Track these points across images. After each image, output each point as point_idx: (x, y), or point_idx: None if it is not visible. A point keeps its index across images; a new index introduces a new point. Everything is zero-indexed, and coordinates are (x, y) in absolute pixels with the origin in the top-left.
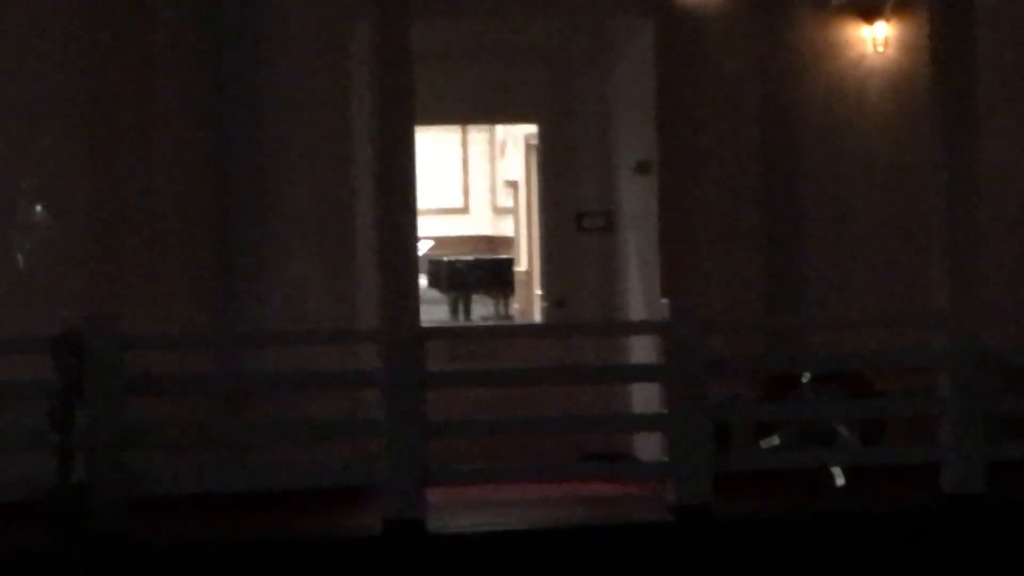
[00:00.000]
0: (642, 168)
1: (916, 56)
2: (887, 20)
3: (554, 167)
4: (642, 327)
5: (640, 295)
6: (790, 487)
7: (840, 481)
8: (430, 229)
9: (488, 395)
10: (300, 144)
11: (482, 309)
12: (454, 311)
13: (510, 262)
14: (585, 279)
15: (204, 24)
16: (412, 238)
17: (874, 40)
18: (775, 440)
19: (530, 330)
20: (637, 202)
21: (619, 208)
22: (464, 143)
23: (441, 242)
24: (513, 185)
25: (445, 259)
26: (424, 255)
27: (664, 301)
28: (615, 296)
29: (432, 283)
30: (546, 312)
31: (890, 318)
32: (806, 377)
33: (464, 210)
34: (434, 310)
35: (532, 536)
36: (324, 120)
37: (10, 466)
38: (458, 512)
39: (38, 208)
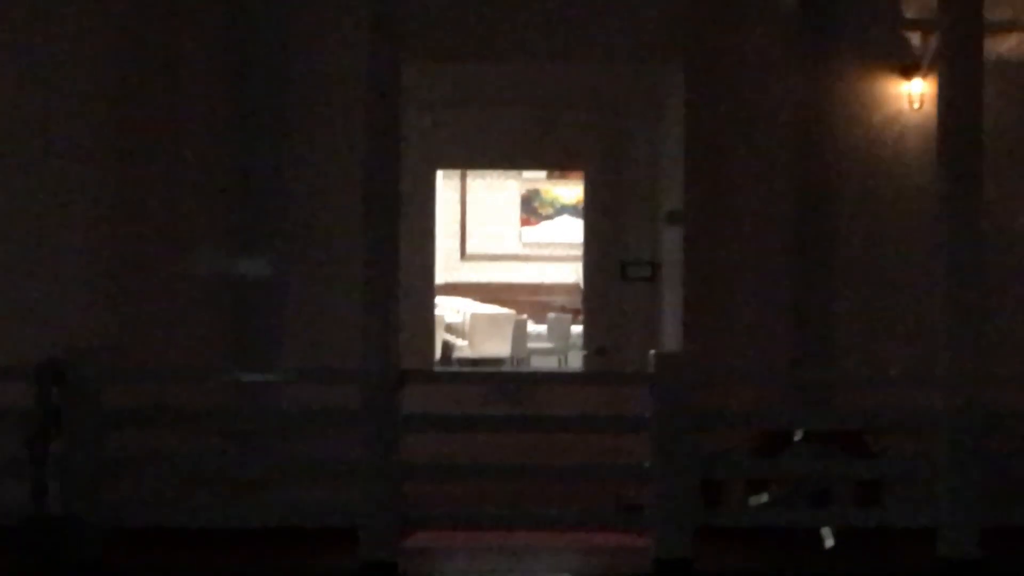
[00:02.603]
0: (673, 218)
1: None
2: (923, 77)
3: (599, 215)
4: (629, 378)
5: (672, 346)
6: (778, 546)
7: (829, 542)
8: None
9: (517, 440)
10: (322, 177)
11: None
12: None
13: None
14: (627, 328)
15: (230, 46)
16: (393, 277)
17: (910, 96)
18: (764, 497)
19: (511, 378)
20: (670, 252)
21: (662, 258)
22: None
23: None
24: None
25: None
26: None
27: (652, 352)
28: (656, 346)
29: None
30: (586, 360)
31: (888, 379)
32: (799, 434)
33: (524, 257)
34: None
35: None
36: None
37: None
38: (442, 557)
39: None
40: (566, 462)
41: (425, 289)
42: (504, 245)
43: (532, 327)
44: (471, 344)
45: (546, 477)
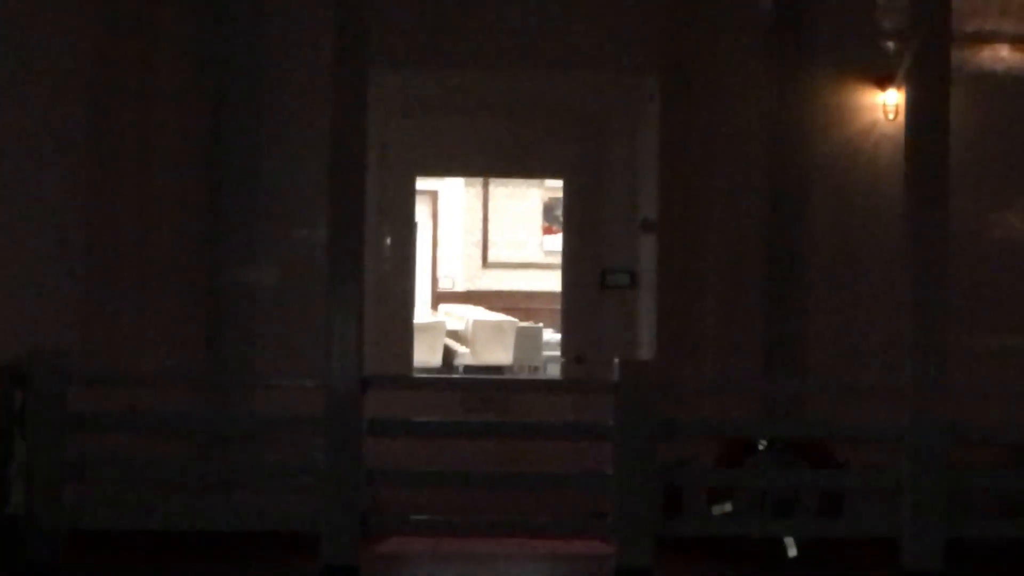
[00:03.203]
0: (647, 226)
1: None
2: (898, 88)
3: (578, 223)
4: (593, 386)
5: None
6: (741, 555)
7: (792, 552)
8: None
9: (505, 447)
10: (295, 188)
11: None
12: None
13: None
14: (606, 336)
15: (204, 66)
16: (356, 285)
17: (884, 107)
18: (728, 506)
19: (475, 383)
20: (647, 261)
21: (641, 266)
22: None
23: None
24: None
25: None
26: None
27: (617, 360)
28: (635, 354)
29: None
30: (564, 368)
31: (849, 391)
32: (762, 444)
33: (547, 266)
34: None
35: None
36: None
37: None
38: (406, 562)
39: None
40: (534, 470)
41: (405, 295)
42: (526, 253)
43: (550, 335)
44: (473, 352)
45: (509, 484)
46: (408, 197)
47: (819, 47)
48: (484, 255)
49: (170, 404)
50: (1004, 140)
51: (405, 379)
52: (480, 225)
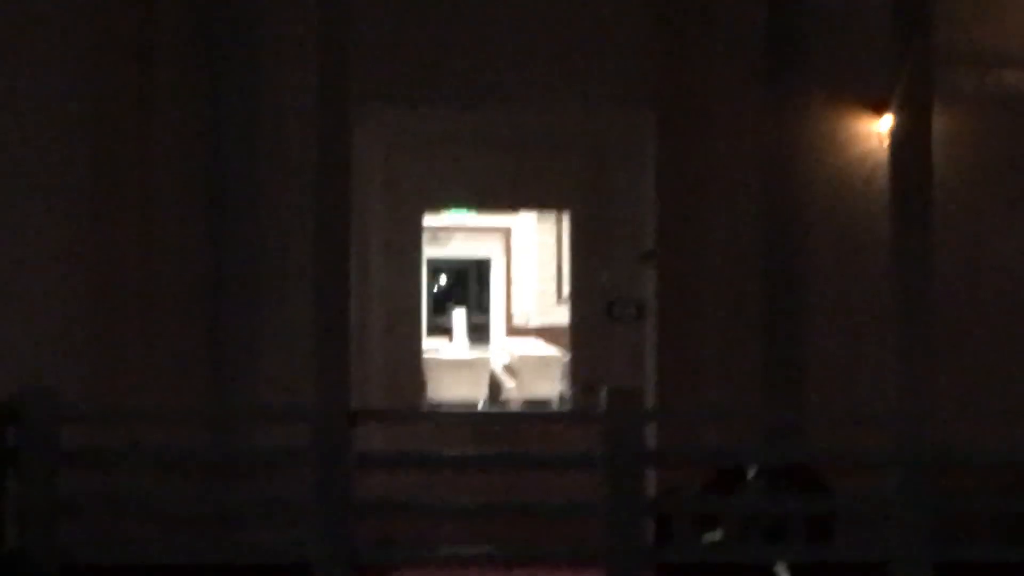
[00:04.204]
0: (646, 257)
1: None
2: (893, 114)
3: (585, 255)
4: (581, 416)
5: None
6: None
7: None
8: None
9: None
10: (297, 220)
11: None
12: None
13: None
14: (614, 366)
15: (204, 101)
16: (345, 318)
17: (879, 135)
18: (718, 534)
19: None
20: (648, 291)
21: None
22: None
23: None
24: None
25: None
26: None
27: (604, 389)
28: (643, 383)
29: None
30: (574, 398)
31: (838, 417)
32: (752, 470)
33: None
34: None
35: None
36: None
37: None
38: None
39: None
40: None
41: (412, 328)
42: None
43: None
44: (519, 385)
45: (498, 514)
46: (415, 231)
47: (814, 75)
48: (559, 290)
49: (175, 440)
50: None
51: (393, 412)
52: (554, 260)
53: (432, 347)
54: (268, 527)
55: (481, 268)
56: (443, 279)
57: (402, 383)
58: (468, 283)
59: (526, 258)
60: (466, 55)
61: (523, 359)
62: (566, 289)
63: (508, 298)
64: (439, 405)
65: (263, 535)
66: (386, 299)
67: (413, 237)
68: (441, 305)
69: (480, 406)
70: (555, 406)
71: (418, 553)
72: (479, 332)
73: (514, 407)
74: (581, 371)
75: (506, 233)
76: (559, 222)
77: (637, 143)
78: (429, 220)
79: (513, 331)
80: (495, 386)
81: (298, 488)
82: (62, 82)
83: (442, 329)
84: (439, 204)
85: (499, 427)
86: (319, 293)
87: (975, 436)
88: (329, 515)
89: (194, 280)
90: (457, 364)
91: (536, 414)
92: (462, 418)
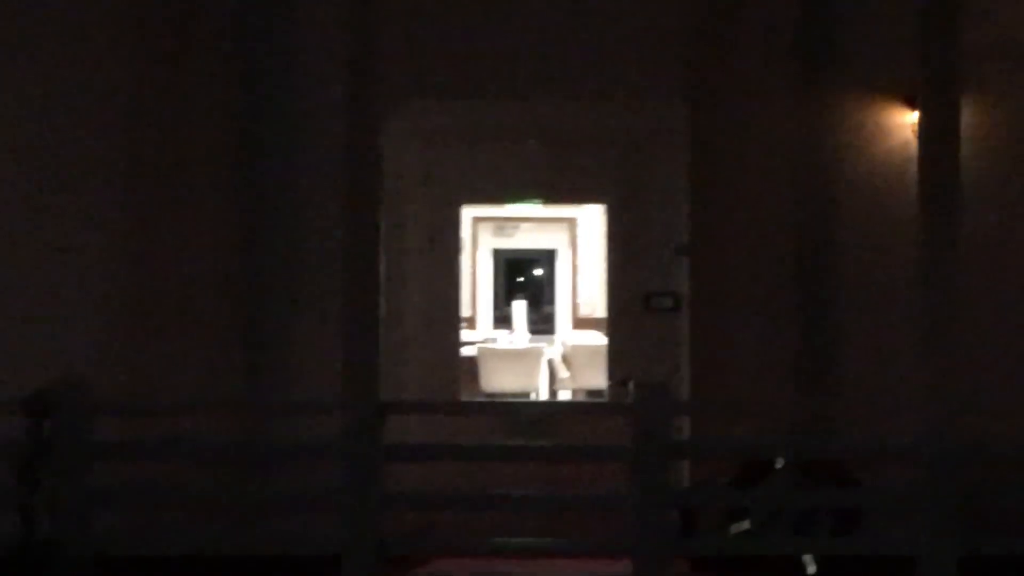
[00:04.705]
0: (680, 250)
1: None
2: (921, 106)
3: (622, 247)
4: (607, 408)
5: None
6: (760, 573)
7: (811, 569)
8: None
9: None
10: (329, 215)
11: None
12: None
13: None
14: (651, 359)
15: (239, 97)
16: (374, 310)
17: (913, 126)
18: (745, 525)
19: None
20: (682, 284)
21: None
22: None
23: None
24: None
25: None
26: None
27: (631, 382)
28: (679, 375)
29: None
30: (610, 391)
31: (863, 409)
32: (780, 463)
33: None
34: None
35: None
36: (353, 193)
37: None
38: None
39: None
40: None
41: (449, 323)
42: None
43: None
44: (572, 376)
45: (524, 506)
46: (453, 225)
47: (847, 68)
48: None
49: (209, 431)
50: None
51: (422, 404)
52: None
53: (492, 337)
54: (299, 518)
55: (547, 259)
56: (511, 271)
57: (438, 376)
58: (533, 275)
59: (592, 249)
60: (500, 49)
61: (575, 349)
62: None
63: (574, 289)
64: (492, 396)
65: (294, 526)
66: (424, 292)
67: (451, 229)
68: (511, 296)
69: (533, 396)
70: (606, 396)
71: (447, 543)
72: (549, 323)
73: (564, 397)
74: (617, 363)
75: (572, 224)
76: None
77: (670, 136)
78: (495, 211)
79: (580, 322)
80: (552, 376)
81: (330, 480)
82: (99, 79)
83: (508, 320)
84: (477, 197)
85: (541, 419)
86: (348, 286)
87: (1004, 429)
88: (358, 506)
89: (229, 274)
90: (510, 354)
91: (563, 404)
92: (491, 408)
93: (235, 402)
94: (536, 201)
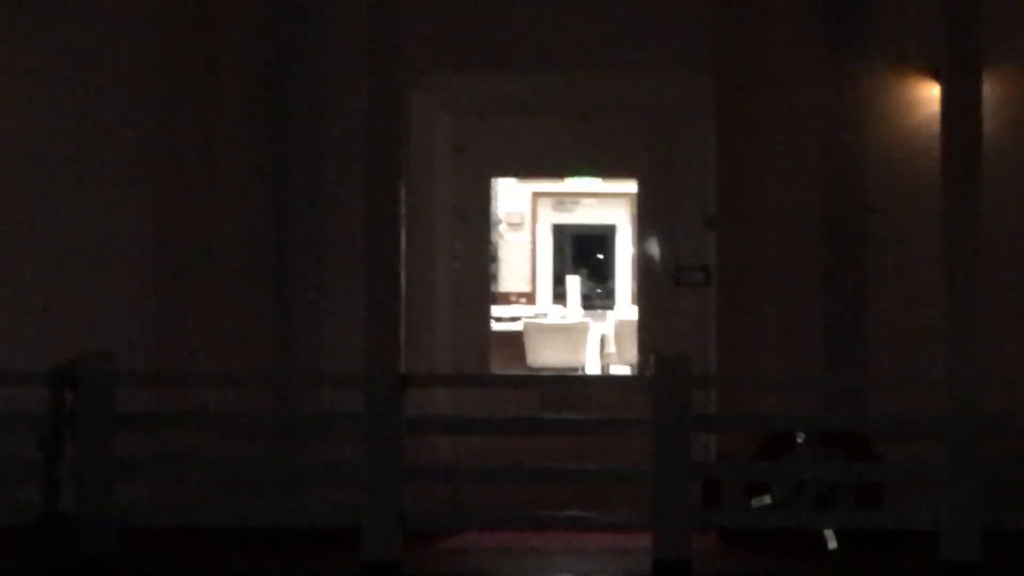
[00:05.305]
0: (709, 223)
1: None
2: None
3: (651, 221)
4: (630, 380)
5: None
6: (781, 547)
7: (832, 544)
8: None
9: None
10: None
11: None
12: None
13: None
14: (681, 332)
15: (268, 72)
16: (396, 283)
17: (939, 99)
18: (767, 499)
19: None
20: (711, 257)
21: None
22: None
23: None
24: None
25: None
26: None
27: (653, 355)
28: (708, 349)
29: None
30: (639, 365)
31: (888, 382)
32: (801, 437)
33: None
34: None
35: None
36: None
37: (2, 492)
38: (445, 557)
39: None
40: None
41: (480, 297)
42: None
43: None
44: (617, 351)
45: (544, 479)
46: (484, 198)
47: (874, 40)
48: None
49: (237, 404)
50: None
51: (444, 376)
52: None
53: (543, 312)
54: (324, 491)
55: (609, 234)
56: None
57: (469, 350)
58: (595, 250)
59: None
60: (532, 23)
61: (619, 324)
62: None
63: (633, 263)
64: (537, 371)
65: (319, 499)
66: (454, 266)
67: (481, 203)
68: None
69: (580, 371)
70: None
71: (468, 517)
72: (609, 299)
73: (613, 372)
74: (649, 337)
75: (631, 199)
76: None
77: (698, 109)
78: (554, 186)
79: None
80: (603, 352)
81: (354, 453)
82: (130, 59)
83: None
84: (508, 170)
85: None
86: (371, 258)
87: None
88: (379, 479)
89: (258, 248)
90: (556, 329)
91: (585, 377)
92: (514, 381)
93: (256, 373)
94: (586, 176)
